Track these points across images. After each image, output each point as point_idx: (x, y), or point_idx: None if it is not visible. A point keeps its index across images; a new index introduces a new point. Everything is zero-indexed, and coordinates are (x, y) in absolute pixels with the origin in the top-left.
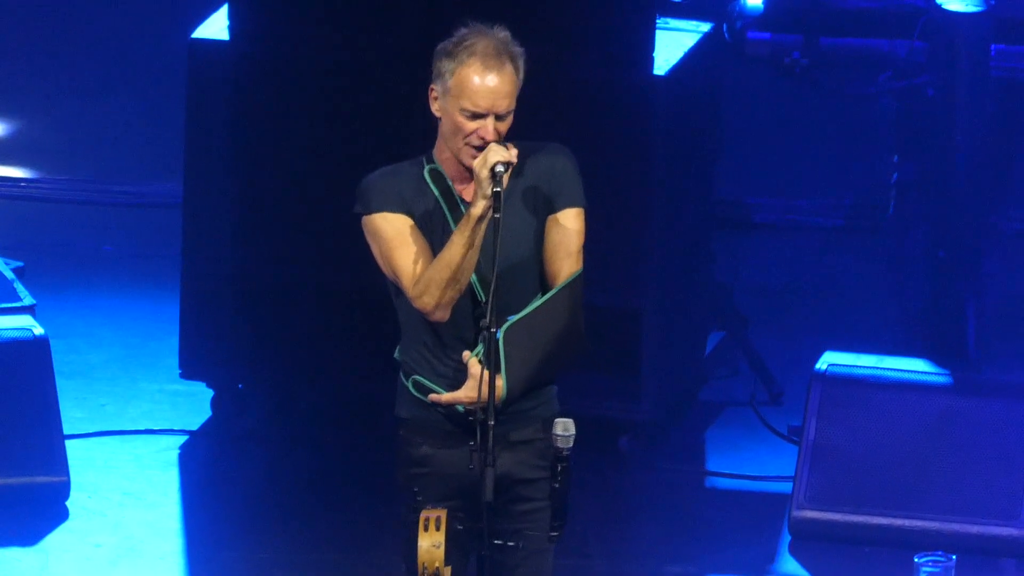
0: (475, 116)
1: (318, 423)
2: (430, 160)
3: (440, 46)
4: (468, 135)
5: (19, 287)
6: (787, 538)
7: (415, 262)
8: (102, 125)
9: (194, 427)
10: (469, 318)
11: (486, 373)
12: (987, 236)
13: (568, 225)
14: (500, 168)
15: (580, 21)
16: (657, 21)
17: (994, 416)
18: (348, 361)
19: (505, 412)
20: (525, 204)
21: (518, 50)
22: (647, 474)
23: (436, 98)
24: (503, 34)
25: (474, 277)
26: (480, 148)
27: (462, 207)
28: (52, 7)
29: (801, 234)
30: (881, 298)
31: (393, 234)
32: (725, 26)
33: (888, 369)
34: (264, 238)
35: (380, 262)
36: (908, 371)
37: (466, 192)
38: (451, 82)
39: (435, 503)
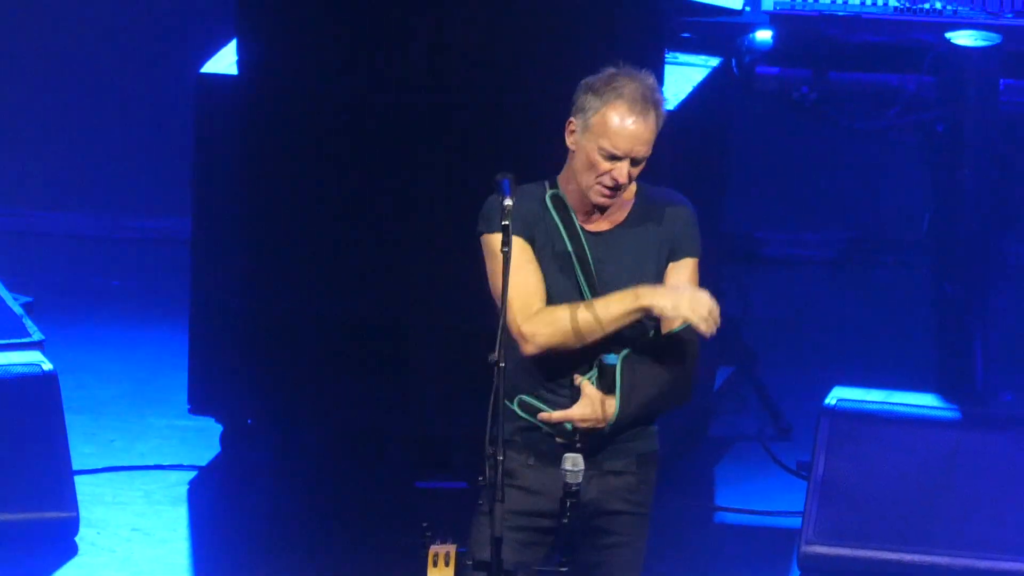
0: (612, 157)
1: (327, 458)
2: (553, 186)
3: (587, 81)
4: (601, 175)
5: (28, 323)
6: (796, 573)
7: (526, 292)
8: (110, 160)
9: (203, 462)
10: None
11: (600, 394)
12: (995, 270)
13: (686, 272)
14: (508, 202)
15: (589, 55)
16: (666, 56)
17: (1003, 450)
18: (357, 396)
19: (601, 442)
20: (649, 247)
21: (661, 98)
22: (655, 509)
23: (574, 131)
24: (651, 80)
25: None
26: (611, 188)
27: (582, 236)
28: (61, 41)
29: (809, 268)
30: (889, 332)
31: (514, 263)
32: (734, 61)
33: (897, 404)
34: (273, 273)
35: (491, 281)
36: (917, 406)
37: (586, 222)
38: (593, 119)
39: (518, 515)
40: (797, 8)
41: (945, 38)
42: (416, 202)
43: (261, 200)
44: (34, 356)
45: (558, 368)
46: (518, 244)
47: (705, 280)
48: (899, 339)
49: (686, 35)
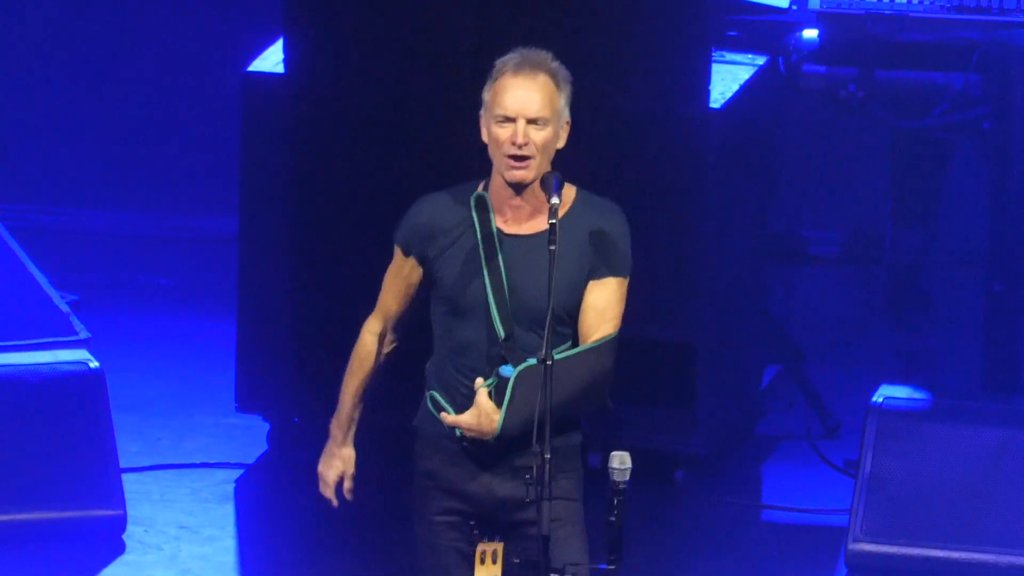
0: (505, 121)
1: (374, 456)
2: (485, 187)
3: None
4: (503, 144)
5: (75, 321)
6: (844, 571)
7: (382, 294)
8: (158, 159)
9: (250, 460)
10: (485, 351)
11: (491, 405)
12: None
13: (608, 292)
14: (555, 201)
15: (636, 54)
16: (713, 54)
17: None
18: (403, 394)
19: (516, 440)
20: (568, 259)
21: (557, 67)
22: (703, 507)
23: (483, 125)
24: (544, 53)
25: (496, 313)
26: (517, 157)
27: (495, 238)
28: (107, 41)
29: (857, 267)
30: (936, 330)
31: (391, 270)
32: (781, 59)
33: (944, 401)
34: (320, 271)
35: None
36: (964, 403)
37: (505, 225)
38: (488, 97)
39: (438, 515)
40: (844, 6)
41: (992, 36)
42: None
43: (308, 199)
44: (81, 354)
45: (473, 369)
46: (400, 260)
47: (754, 278)
48: (946, 337)
49: (733, 33)
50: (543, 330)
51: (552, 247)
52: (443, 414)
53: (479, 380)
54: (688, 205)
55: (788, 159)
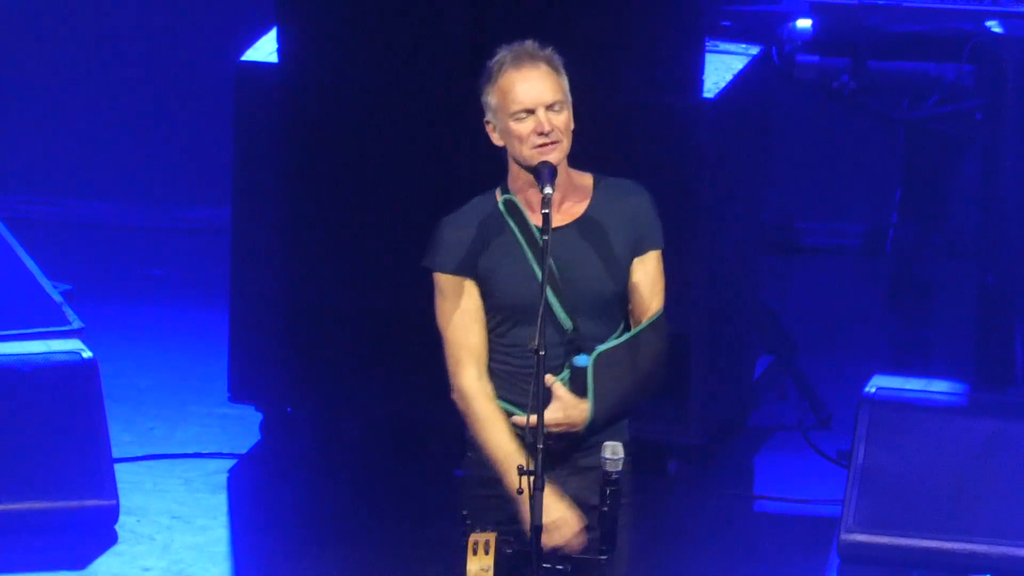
0: (526, 112)
1: (367, 446)
2: (505, 191)
3: (480, 83)
4: (527, 137)
5: (68, 310)
6: (836, 562)
7: (459, 336)
8: (151, 149)
9: (243, 450)
10: (556, 347)
11: (573, 397)
12: None
13: (652, 266)
14: (548, 190)
15: (629, 45)
16: (706, 44)
17: None
18: (397, 385)
19: (576, 438)
20: (612, 242)
21: (550, 52)
22: (696, 498)
23: (493, 128)
24: (531, 43)
25: (560, 308)
26: (546, 142)
27: (538, 236)
28: (100, 32)
29: (849, 258)
30: (928, 321)
31: (447, 297)
32: (774, 49)
33: (936, 393)
34: (313, 262)
35: (437, 317)
36: (956, 395)
37: (538, 220)
38: (495, 100)
39: (494, 526)
40: None
41: (985, 27)
42: (457, 192)
43: (302, 189)
44: (74, 344)
45: (532, 372)
46: (453, 283)
47: (747, 269)
48: (938, 328)
49: (726, 23)
50: (606, 316)
51: (545, 236)
52: (515, 418)
53: (549, 376)
54: (681, 196)
55: (781, 149)
